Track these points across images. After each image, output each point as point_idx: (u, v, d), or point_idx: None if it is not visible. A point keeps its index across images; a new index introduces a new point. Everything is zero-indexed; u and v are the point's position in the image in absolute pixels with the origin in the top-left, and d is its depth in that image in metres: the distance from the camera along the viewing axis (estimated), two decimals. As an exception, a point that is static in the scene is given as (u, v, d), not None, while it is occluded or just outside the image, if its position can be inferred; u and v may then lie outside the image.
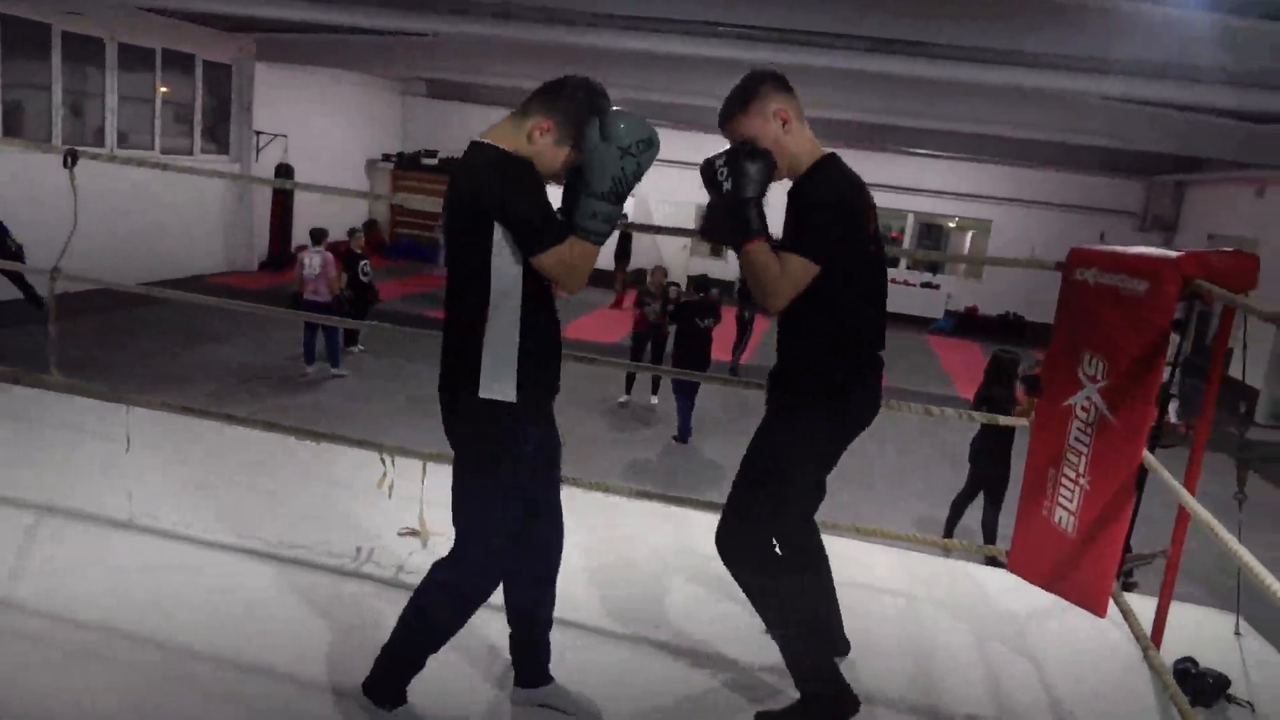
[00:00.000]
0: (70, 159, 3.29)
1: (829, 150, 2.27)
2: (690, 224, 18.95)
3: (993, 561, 3.99)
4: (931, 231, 19.98)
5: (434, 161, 18.71)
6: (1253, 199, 13.85)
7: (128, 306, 10.93)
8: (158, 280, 11.56)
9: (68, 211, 3.43)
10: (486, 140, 2.08)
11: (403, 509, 3.31)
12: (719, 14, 7.91)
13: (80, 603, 2.62)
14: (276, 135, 15.13)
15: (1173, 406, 8.46)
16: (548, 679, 2.35)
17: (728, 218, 2.17)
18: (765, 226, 2.16)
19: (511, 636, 2.35)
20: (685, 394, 8.40)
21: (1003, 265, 15.05)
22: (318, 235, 9.38)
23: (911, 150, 17.12)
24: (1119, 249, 2.67)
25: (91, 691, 2.26)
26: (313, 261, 8.98)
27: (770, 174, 2.17)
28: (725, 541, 2.32)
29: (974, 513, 6.10)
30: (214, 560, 2.99)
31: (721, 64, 8.61)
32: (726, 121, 2.27)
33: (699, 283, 9.41)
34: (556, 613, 2.36)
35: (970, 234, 19.66)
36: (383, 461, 3.33)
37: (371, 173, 18.76)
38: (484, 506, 2.12)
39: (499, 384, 2.04)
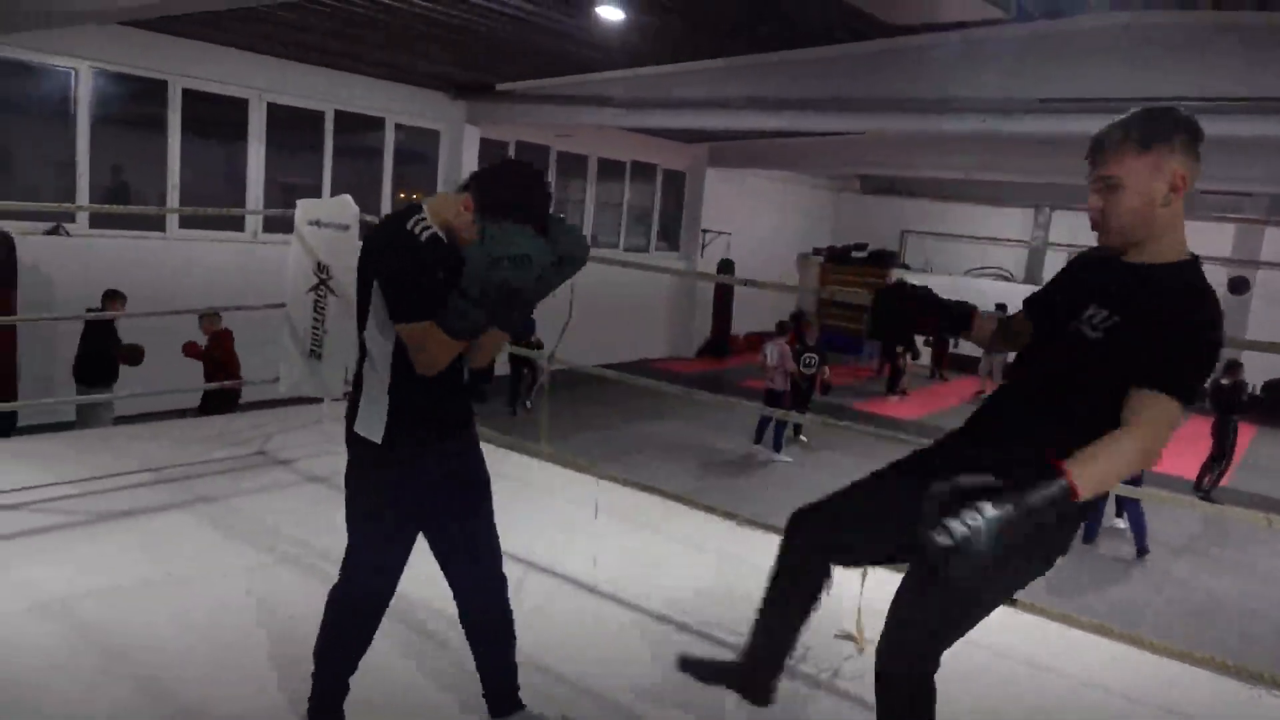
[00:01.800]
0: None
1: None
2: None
3: None
4: None
5: (863, 255, 18.90)
6: None
7: (585, 386, 12.40)
8: (610, 363, 13.03)
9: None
10: (425, 201, 2.15)
11: (838, 608, 3.25)
12: (1186, 87, 7.00)
13: (550, 654, 2.93)
14: (721, 233, 16.39)
15: None
16: (512, 708, 2.46)
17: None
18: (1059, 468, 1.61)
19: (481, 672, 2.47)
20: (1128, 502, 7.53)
21: None
22: (782, 326, 9.96)
23: None
24: None
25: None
26: (771, 352, 9.57)
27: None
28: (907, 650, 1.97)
29: None
30: (658, 630, 3.18)
31: (1207, 144, 7.59)
32: (1107, 151, 1.78)
33: None
34: None
35: None
36: (822, 558, 3.31)
37: (802, 266, 19.45)
38: (362, 527, 2.23)
39: (370, 426, 2.16)
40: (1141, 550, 7.47)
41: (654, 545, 3.98)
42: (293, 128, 10.45)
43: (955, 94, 8.13)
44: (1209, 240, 16.30)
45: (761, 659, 2.28)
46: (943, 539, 1.51)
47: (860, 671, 2.97)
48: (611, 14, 7.53)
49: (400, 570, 2.30)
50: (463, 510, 2.33)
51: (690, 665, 2.37)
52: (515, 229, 1.99)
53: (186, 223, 9.54)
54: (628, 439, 10.14)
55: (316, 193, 10.54)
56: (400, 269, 2.07)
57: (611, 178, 14.90)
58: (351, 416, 2.21)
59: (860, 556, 2.28)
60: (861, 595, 3.17)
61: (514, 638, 2.50)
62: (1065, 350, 1.85)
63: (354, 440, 2.21)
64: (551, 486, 4.58)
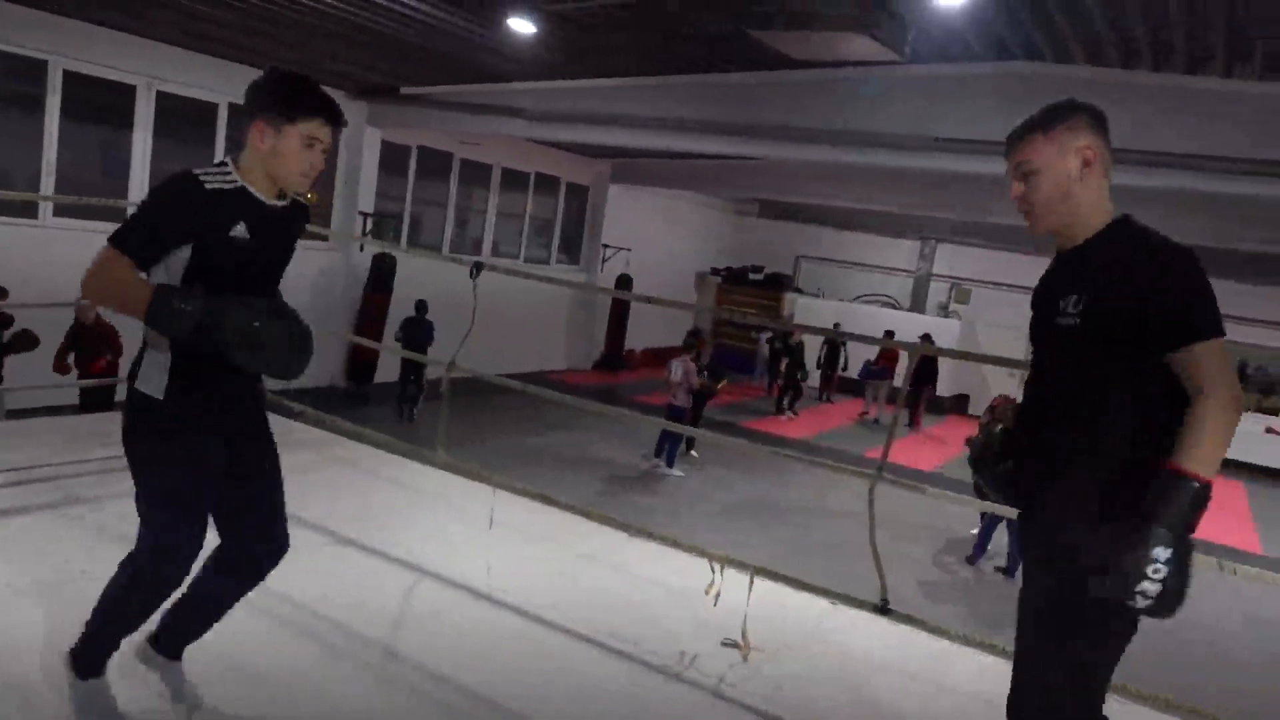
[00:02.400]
0: (476, 270, 3.85)
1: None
2: (1019, 351, 17.77)
3: None
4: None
5: (759, 277, 19.39)
6: None
7: (480, 395, 12.30)
8: (507, 373, 12.96)
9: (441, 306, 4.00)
10: (231, 157, 2.14)
11: (726, 617, 3.36)
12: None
13: (444, 662, 2.93)
14: (621, 248, 16.54)
15: None
16: (176, 656, 2.44)
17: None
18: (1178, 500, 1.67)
19: (173, 608, 2.38)
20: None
21: None
22: (688, 343, 10.07)
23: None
24: None
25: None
26: (676, 369, 9.66)
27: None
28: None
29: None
30: (553, 640, 3.21)
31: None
32: (1018, 141, 1.92)
33: None
34: None
35: (1378, 382, 16.54)
36: (712, 569, 3.42)
37: (700, 285, 19.81)
38: (149, 492, 2.16)
39: (150, 381, 2.10)
40: (1009, 570, 7.87)
41: (549, 555, 4.01)
42: (183, 118, 10.06)
43: (854, 127, 8.49)
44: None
45: None
46: (1145, 602, 1.66)
47: (745, 678, 3.08)
48: (522, 26, 7.56)
49: (199, 539, 2.21)
50: (247, 470, 2.28)
51: None
52: (278, 325, 2.04)
53: (61, 211, 9.05)
54: (523, 450, 10.11)
55: (206, 186, 10.18)
56: (144, 203, 2.06)
57: (514, 188, 14.87)
58: (134, 374, 2.15)
59: None
60: (748, 604, 3.29)
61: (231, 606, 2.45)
62: (1052, 348, 1.92)
63: (132, 397, 2.14)
64: (446, 494, 4.56)
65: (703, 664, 3.15)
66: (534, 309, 14.87)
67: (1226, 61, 6.63)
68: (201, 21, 8.44)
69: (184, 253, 2.05)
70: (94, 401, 6.94)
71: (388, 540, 3.85)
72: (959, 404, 17.50)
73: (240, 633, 2.91)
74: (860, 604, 3.36)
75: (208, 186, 2.05)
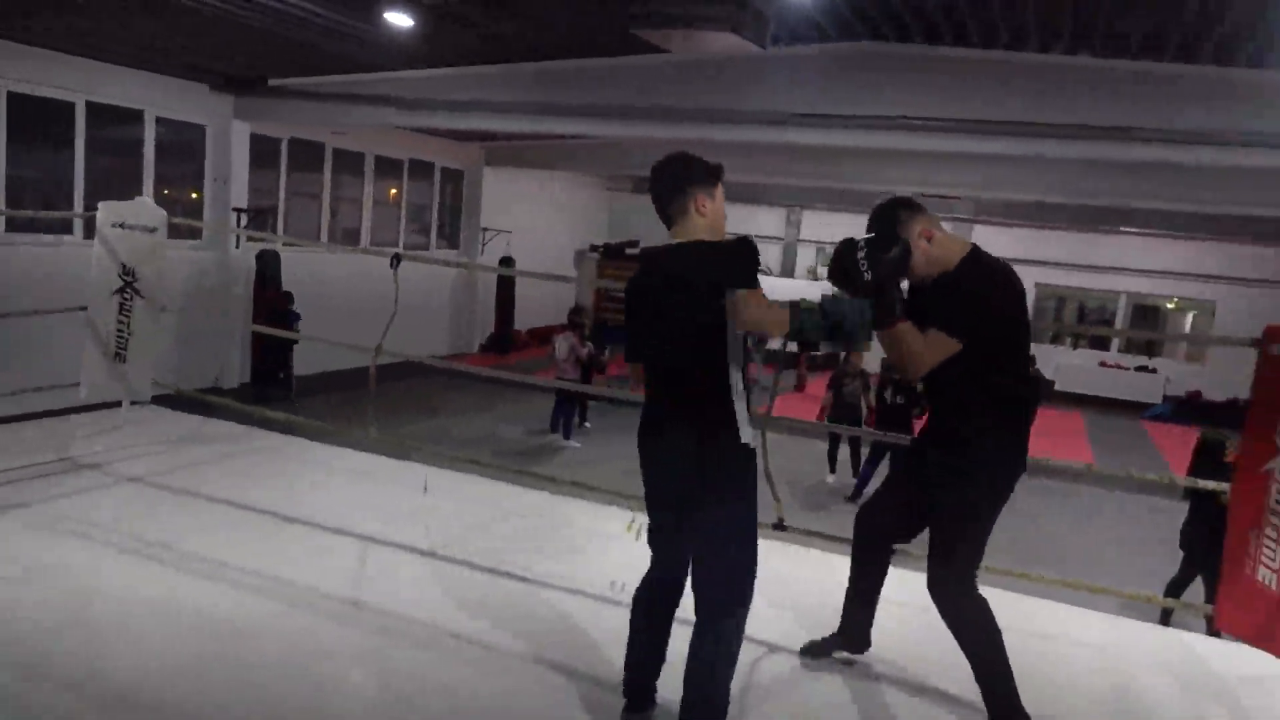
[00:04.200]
0: (395, 261, 4.17)
1: (971, 243, 2.71)
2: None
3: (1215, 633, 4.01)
4: (1147, 314, 19.01)
5: (636, 250, 19.92)
6: None
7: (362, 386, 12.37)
8: (392, 361, 13.05)
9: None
10: (687, 240, 2.56)
11: (646, 550, 3.84)
12: (906, 108, 8.25)
13: (402, 607, 3.31)
14: (500, 231, 16.75)
15: None
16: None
17: (873, 306, 2.53)
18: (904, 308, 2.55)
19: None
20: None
21: (1190, 342, 15.12)
22: (573, 320, 10.49)
23: (1124, 229, 16.60)
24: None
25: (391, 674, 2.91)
26: (561, 345, 10.05)
27: (907, 259, 2.54)
28: (941, 590, 2.70)
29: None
30: (493, 585, 3.62)
31: (925, 156, 8.91)
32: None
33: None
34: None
35: (1191, 315, 18.55)
36: (630, 510, 3.90)
37: (580, 262, 20.20)
38: (745, 536, 2.58)
39: (747, 432, 2.48)
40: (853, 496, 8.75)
41: (479, 512, 4.40)
42: (37, 119, 9.70)
43: (718, 106, 9.03)
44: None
45: (858, 619, 3.08)
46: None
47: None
48: (399, 20, 7.73)
49: None
50: None
51: (810, 649, 3.15)
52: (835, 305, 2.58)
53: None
54: (422, 434, 10.31)
55: (67, 190, 9.89)
56: (746, 257, 2.52)
57: (389, 175, 14.86)
58: (726, 433, 2.46)
59: (899, 535, 3.02)
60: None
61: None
62: None
63: (741, 453, 2.48)
64: (375, 471, 4.87)
65: (631, 589, 3.61)
66: (416, 295, 14.89)
67: (1042, 40, 7.50)
68: (41, 15, 8.14)
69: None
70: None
71: (329, 515, 4.16)
72: (830, 362, 18.54)
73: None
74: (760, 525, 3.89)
75: None
